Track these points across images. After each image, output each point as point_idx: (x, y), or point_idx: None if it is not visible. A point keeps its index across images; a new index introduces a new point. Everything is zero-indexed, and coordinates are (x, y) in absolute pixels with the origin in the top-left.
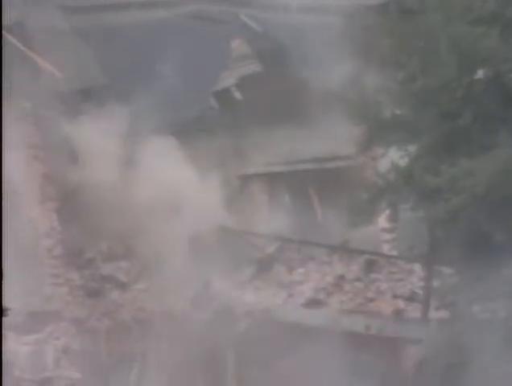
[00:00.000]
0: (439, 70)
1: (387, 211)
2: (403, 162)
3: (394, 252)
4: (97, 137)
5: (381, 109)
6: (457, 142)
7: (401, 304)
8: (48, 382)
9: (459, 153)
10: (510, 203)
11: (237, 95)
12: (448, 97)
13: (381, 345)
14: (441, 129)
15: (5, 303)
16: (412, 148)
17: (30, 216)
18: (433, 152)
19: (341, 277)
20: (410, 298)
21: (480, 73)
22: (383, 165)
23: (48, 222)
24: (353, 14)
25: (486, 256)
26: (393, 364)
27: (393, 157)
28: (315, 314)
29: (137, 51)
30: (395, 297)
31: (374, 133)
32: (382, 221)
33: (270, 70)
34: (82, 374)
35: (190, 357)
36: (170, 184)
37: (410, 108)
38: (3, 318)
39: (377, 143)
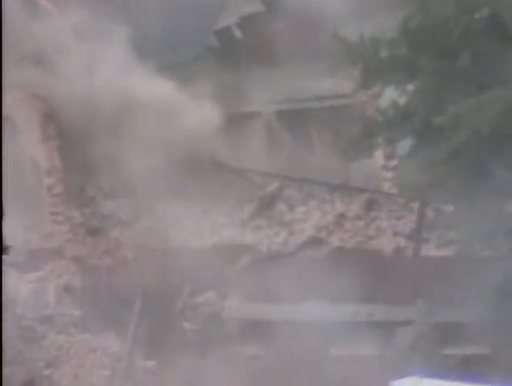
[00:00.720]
0: (435, 8)
1: (385, 148)
2: (402, 100)
3: (395, 191)
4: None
5: (378, 49)
6: (456, 82)
7: (401, 241)
8: (50, 319)
9: (458, 93)
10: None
11: (238, 34)
12: (446, 36)
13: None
14: (439, 69)
15: (6, 241)
16: (410, 87)
17: (32, 155)
18: (432, 91)
19: (342, 216)
20: (411, 236)
21: (478, 13)
22: (383, 103)
23: (49, 160)
24: None
25: (488, 193)
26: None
27: (392, 95)
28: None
29: None
30: (396, 234)
31: (372, 73)
32: (382, 159)
33: (272, 10)
34: (83, 311)
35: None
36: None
37: (408, 47)
38: (4, 257)
39: (375, 83)
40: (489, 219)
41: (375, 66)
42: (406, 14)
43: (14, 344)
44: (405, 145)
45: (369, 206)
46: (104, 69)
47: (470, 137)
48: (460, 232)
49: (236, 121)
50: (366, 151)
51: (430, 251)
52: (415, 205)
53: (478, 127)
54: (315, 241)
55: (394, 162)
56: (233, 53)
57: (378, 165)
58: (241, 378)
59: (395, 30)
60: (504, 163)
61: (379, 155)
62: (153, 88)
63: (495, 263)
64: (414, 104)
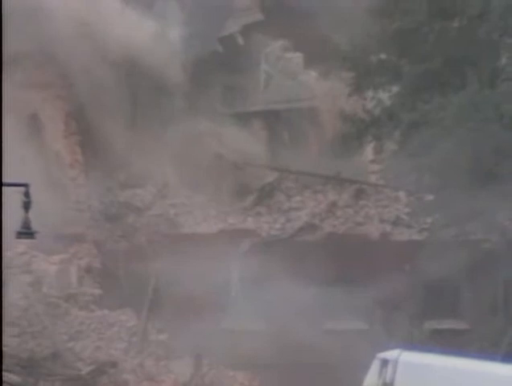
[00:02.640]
0: (411, 15)
1: (373, 144)
2: (387, 101)
3: (381, 182)
4: None
5: (368, 55)
6: (431, 83)
7: (387, 228)
8: (73, 297)
9: (433, 93)
10: (479, 134)
11: (240, 40)
12: (421, 41)
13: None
14: (417, 71)
15: (33, 227)
16: (395, 89)
17: (57, 149)
18: (411, 91)
19: (334, 204)
20: (396, 223)
21: (453, 22)
22: (371, 104)
23: (72, 154)
24: None
25: (460, 182)
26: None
27: (379, 96)
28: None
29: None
30: (382, 221)
31: (363, 77)
32: (370, 154)
33: (270, 19)
34: (102, 290)
35: (198, 273)
36: None
37: (390, 51)
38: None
39: (366, 86)
40: (463, 206)
41: (366, 71)
42: (388, 19)
43: (40, 320)
44: (390, 141)
45: (358, 195)
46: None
47: (438, 131)
48: (437, 218)
49: (239, 119)
50: (357, 147)
51: (412, 236)
52: (400, 195)
53: (443, 122)
54: (309, 227)
55: (381, 157)
56: (236, 58)
57: (367, 159)
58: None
59: (380, 36)
60: (470, 155)
61: (368, 150)
62: None
63: (469, 245)
64: (397, 104)
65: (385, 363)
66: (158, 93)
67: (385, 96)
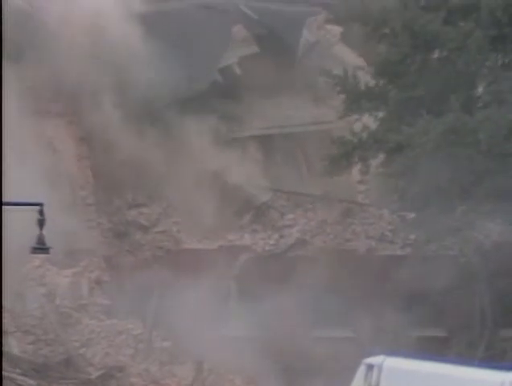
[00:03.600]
0: (396, 47)
1: (359, 165)
2: (373, 125)
3: (367, 201)
4: None
5: (357, 82)
6: (415, 109)
7: (373, 243)
8: (84, 308)
9: (416, 118)
10: (458, 157)
11: (238, 71)
12: (405, 71)
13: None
14: (402, 98)
15: (47, 243)
16: (381, 114)
17: (69, 171)
18: (396, 116)
19: (324, 222)
20: (380, 239)
21: (434, 53)
22: (357, 127)
23: (83, 176)
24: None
25: (439, 201)
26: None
27: (365, 121)
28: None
29: (156, 34)
30: (368, 237)
31: (352, 102)
32: (357, 175)
33: (265, 51)
34: (111, 300)
35: (199, 285)
36: None
37: (378, 79)
38: (46, 255)
39: (355, 110)
40: (442, 224)
41: (355, 96)
42: (376, 51)
43: (54, 328)
44: (375, 162)
45: (346, 214)
46: None
47: (420, 154)
48: (418, 235)
49: (236, 143)
50: (344, 168)
51: (396, 251)
52: (384, 213)
53: (425, 145)
54: (301, 243)
55: (365, 178)
56: (233, 86)
57: (354, 179)
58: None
59: (370, 64)
60: (449, 175)
61: (354, 171)
62: None
63: (448, 259)
64: (382, 128)
65: (370, 368)
66: (161, 117)
67: (371, 120)
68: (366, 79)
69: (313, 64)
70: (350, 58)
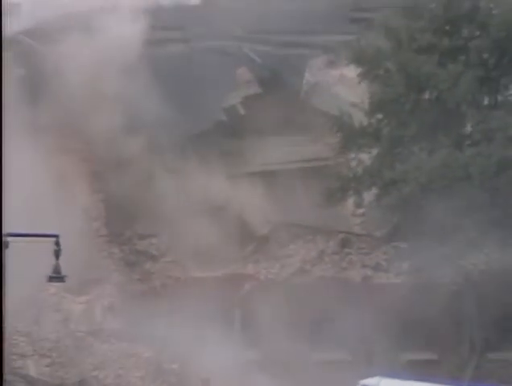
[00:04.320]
0: (391, 87)
1: (354, 198)
2: (368, 161)
3: (363, 232)
4: None
5: (352, 122)
6: (407, 146)
7: (368, 272)
8: (97, 332)
9: (409, 154)
10: (449, 191)
11: (242, 111)
12: (399, 110)
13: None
14: (395, 136)
15: (62, 272)
16: (375, 151)
17: (82, 204)
18: (389, 153)
19: (322, 252)
20: (376, 268)
21: (426, 93)
22: (353, 163)
23: (96, 209)
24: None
25: (431, 232)
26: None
27: (360, 157)
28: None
29: (165, 76)
30: (364, 266)
31: (348, 140)
32: (352, 207)
33: (267, 91)
34: (122, 325)
35: (206, 312)
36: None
37: (372, 117)
38: (61, 284)
39: (350, 148)
40: (432, 254)
41: (350, 134)
42: (370, 92)
43: (68, 351)
44: (371, 196)
45: (343, 244)
46: None
47: (414, 188)
48: (411, 264)
49: (240, 178)
50: (340, 200)
51: (390, 279)
52: (380, 243)
53: (419, 179)
54: (301, 271)
55: (361, 210)
56: (238, 125)
57: (349, 212)
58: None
59: (365, 103)
60: (441, 208)
61: (350, 204)
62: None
63: (439, 287)
64: (376, 163)
65: None
66: (169, 154)
67: (365, 156)
68: (361, 117)
69: (312, 105)
70: (349, 97)
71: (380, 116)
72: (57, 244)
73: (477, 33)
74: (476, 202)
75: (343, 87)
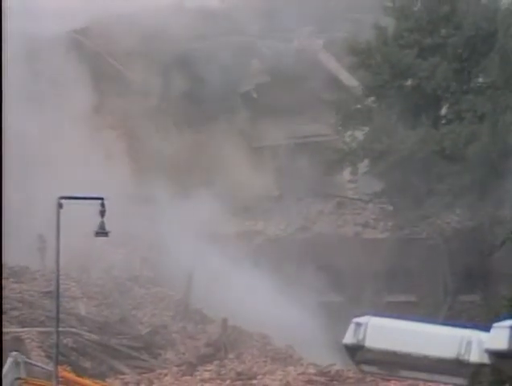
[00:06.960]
0: (379, 75)
1: (349, 168)
2: (361, 137)
3: (356, 196)
4: None
5: (350, 104)
6: (393, 124)
7: (359, 229)
8: (135, 279)
9: (394, 131)
10: (427, 161)
11: (254, 95)
12: (387, 94)
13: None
14: (383, 116)
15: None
16: (367, 128)
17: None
18: (379, 130)
19: (321, 212)
20: (365, 225)
21: (409, 81)
22: (349, 139)
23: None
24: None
25: (412, 196)
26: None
27: (355, 133)
28: None
29: (192, 65)
30: (355, 224)
31: (345, 120)
32: (348, 175)
33: (277, 80)
34: (156, 273)
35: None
36: None
37: (365, 101)
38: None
39: (346, 126)
40: (413, 214)
41: (347, 115)
42: (363, 81)
43: (112, 294)
44: (363, 165)
45: (339, 206)
46: None
47: (398, 159)
48: (394, 222)
49: (253, 152)
50: (338, 170)
51: (377, 235)
52: (369, 205)
53: (402, 152)
54: (304, 229)
55: (355, 178)
56: (251, 108)
57: (344, 179)
58: None
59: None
60: (420, 176)
61: (346, 172)
62: None
63: (418, 241)
64: (368, 139)
65: (358, 325)
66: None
67: (359, 133)
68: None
69: (314, 91)
70: (347, 83)
71: (372, 99)
72: (102, 205)
73: (453, 32)
74: (449, 170)
75: (342, 75)
